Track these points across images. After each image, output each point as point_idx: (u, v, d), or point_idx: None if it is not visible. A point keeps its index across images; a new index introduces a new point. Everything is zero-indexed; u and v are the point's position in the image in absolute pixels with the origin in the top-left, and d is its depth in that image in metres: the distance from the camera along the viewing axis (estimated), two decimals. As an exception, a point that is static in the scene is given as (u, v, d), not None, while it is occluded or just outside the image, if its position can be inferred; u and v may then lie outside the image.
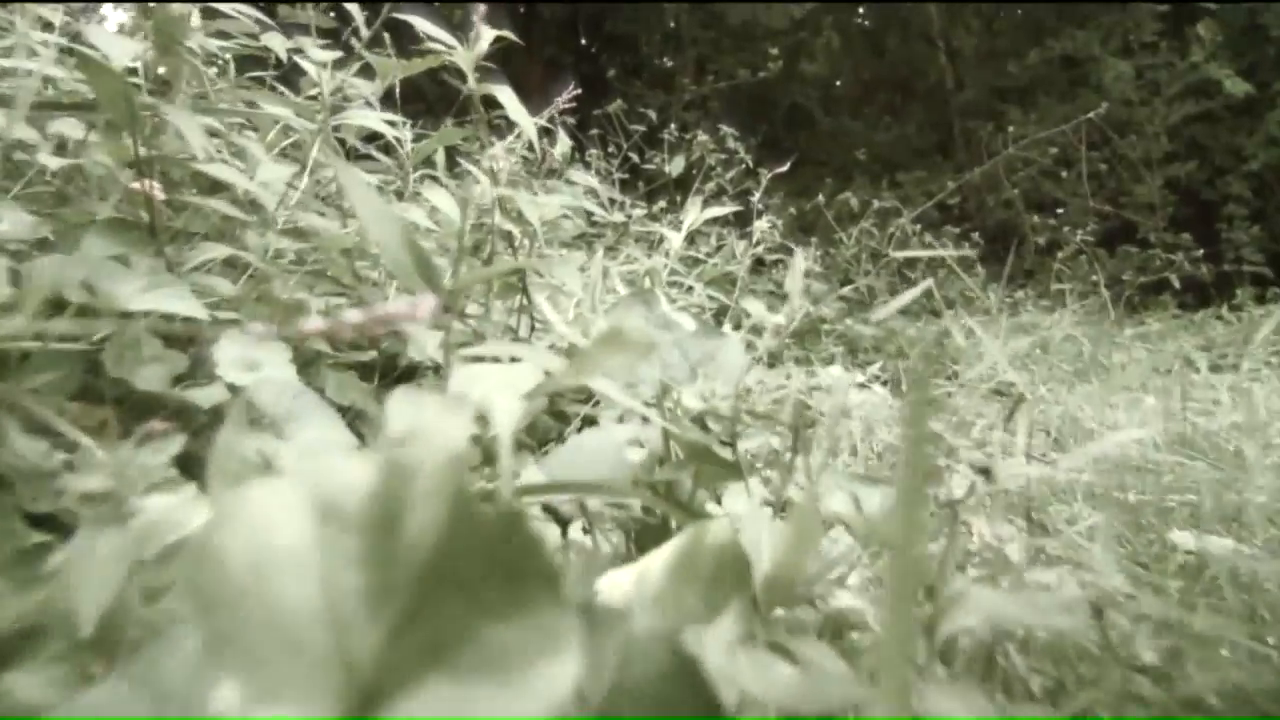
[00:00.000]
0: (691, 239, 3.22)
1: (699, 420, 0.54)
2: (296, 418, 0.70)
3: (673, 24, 7.84)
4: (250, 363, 0.75)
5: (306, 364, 0.99)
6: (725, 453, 0.50)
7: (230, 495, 0.26)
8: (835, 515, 0.66)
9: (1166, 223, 5.79)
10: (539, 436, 1.16)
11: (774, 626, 0.43)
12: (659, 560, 0.36)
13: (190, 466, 0.77)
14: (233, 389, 0.73)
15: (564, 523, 0.54)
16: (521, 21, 8.26)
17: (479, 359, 0.57)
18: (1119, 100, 6.02)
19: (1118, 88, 6.18)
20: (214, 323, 0.82)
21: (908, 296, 0.53)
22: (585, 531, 0.70)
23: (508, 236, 1.21)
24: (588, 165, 2.91)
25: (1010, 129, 5.33)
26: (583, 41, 8.48)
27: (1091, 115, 4.51)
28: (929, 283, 0.52)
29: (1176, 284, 3.71)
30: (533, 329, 1.24)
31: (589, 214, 2.80)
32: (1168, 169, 6.10)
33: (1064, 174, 5.93)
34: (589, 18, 8.18)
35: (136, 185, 1.01)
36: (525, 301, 1.20)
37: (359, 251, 1.23)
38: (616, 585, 0.34)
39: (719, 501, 0.74)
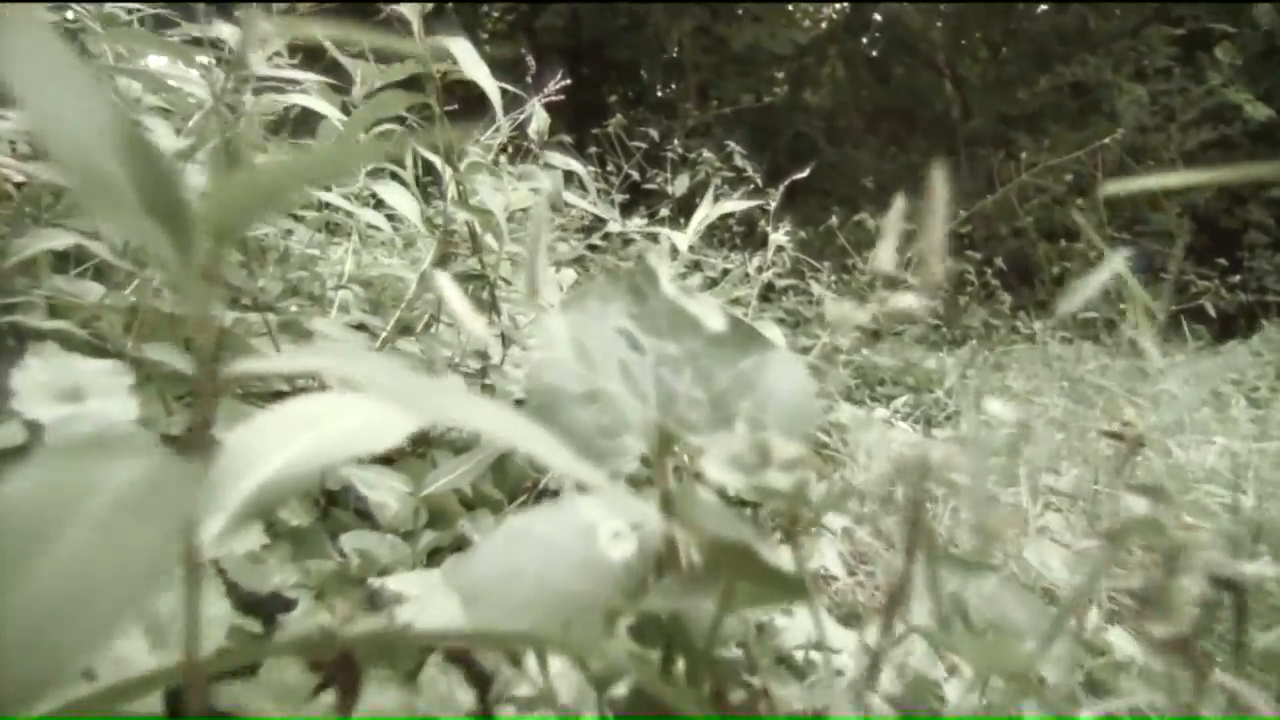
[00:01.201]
0: (696, 262, 3.00)
1: (724, 495, 0.31)
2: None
3: (676, 51, 7.74)
4: (70, 391, 0.52)
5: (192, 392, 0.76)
6: (776, 554, 0.28)
7: None
8: (929, 633, 0.42)
9: (1186, 251, 5.59)
10: (509, 487, 0.93)
11: None
12: None
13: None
14: (34, 428, 0.51)
15: (484, 681, 0.30)
16: (522, 49, 8.17)
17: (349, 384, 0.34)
18: (1133, 127, 5.86)
19: (1131, 113, 6.03)
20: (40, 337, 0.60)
21: (1099, 278, 0.30)
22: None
23: (470, 233, 0.99)
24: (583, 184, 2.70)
25: (1023, 156, 5.16)
26: (584, 70, 8.38)
27: (1106, 141, 4.35)
28: (1122, 255, 0.30)
29: (1212, 312, 3.51)
30: (504, 353, 1.01)
31: (587, 234, 2.58)
32: (1186, 196, 5.91)
33: (1079, 201, 5.74)
34: (589, 45, 8.08)
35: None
36: (494, 317, 0.98)
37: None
38: None
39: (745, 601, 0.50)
